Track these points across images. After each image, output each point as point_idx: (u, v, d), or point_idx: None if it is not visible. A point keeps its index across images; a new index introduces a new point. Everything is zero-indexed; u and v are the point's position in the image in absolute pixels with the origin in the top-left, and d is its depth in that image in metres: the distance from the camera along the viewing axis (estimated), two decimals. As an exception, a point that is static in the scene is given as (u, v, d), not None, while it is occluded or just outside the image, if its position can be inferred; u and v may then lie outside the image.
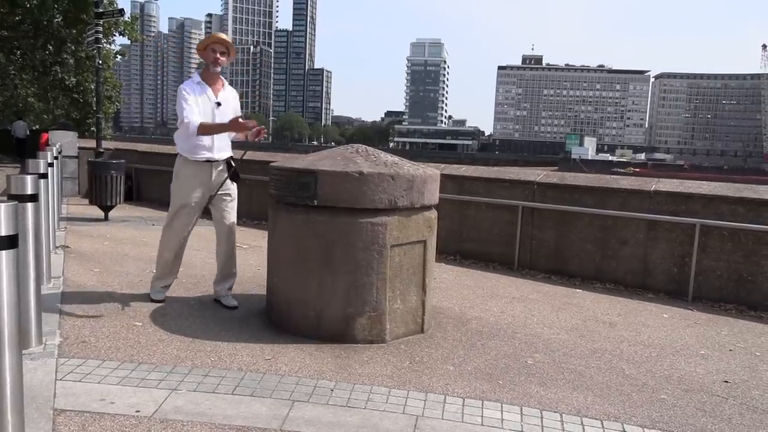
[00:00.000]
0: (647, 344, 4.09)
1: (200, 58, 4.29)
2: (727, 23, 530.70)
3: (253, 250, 6.65)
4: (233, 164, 4.33)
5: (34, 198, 3.39)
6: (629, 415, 2.95)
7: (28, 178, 3.39)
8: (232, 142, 4.39)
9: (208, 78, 4.23)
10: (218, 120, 4.18)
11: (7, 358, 2.04)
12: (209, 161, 4.20)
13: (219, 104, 4.22)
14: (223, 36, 4.27)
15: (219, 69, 4.23)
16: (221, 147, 4.25)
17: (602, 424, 2.84)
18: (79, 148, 11.73)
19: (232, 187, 4.34)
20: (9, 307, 2.06)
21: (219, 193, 4.26)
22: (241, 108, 4.60)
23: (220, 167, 4.27)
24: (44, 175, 4.86)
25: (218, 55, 4.18)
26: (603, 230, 6.08)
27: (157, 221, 8.45)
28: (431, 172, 3.98)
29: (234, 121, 4.08)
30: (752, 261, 5.33)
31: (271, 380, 3.07)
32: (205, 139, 4.14)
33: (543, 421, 2.82)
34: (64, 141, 11.25)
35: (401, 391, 3.04)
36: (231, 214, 4.36)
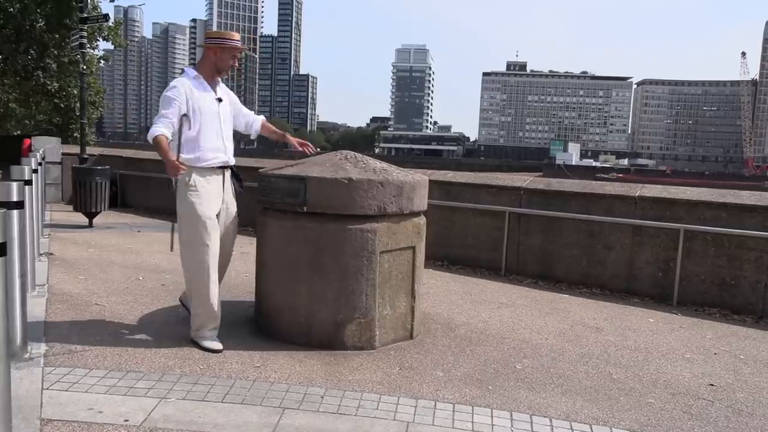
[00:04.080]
0: (634, 348, 4.13)
1: (215, 55, 3.74)
2: (707, 31, 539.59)
3: (240, 256, 6.61)
4: (236, 170, 3.93)
5: (19, 205, 3.35)
6: (617, 419, 2.98)
7: (14, 185, 3.36)
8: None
9: (209, 76, 3.77)
10: (223, 118, 3.78)
11: (-6, 368, 2.02)
12: (223, 167, 3.76)
13: (220, 100, 3.79)
14: (240, 40, 3.88)
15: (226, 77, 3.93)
16: (230, 149, 3.82)
17: (591, 428, 2.86)
18: (63, 154, 11.61)
19: (234, 197, 3.94)
20: (-3, 316, 2.03)
21: (226, 206, 3.82)
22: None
23: (227, 175, 3.83)
24: (29, 182, 4.80)
25: (236, 63, 3.79)
26: (589, 236, 6.14)
27: (142, 228, 8.39)
28: (420, 178, 4.00)
29: (170, 163, 3.44)
30: (735, 265, 5.41)
31: (261, 388, 3.06)
32: (217, 141, 3.72)
33: (533, 426, 2.84)
34: (47, 147, 11.13)
35: (392, 398, 3.04)
36: (235, 228, 3.99)
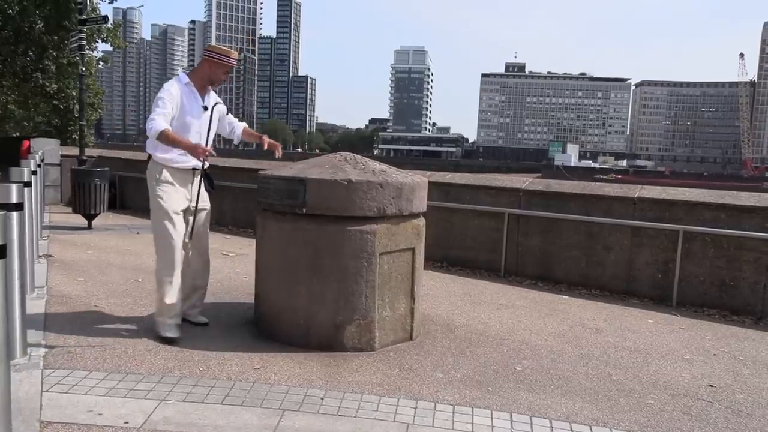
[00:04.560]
0: (633, 349, 4.14)
1: (210, 68, 3.91)
2: (705, 32, 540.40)
3: (239, 258, 6.62)
4: (209, 172, 4.01)
5: (19, 207, 3.35)
6: (617, 420, 2.98)
7: (13, 187, 3.36)
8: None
9: (199, 84, 3.93)
10: (205, 125, 3.94)
11: (-6, 370, 2.02)
12: (194, 169, 3.93)
13: (206, 108, 3.95)
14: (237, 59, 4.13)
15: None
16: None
17: (591, 429, 2.86)
18: (61, 155, 11.60)
19: (206, 198, 4.05)
20: (-3, 318, 2.03)
21: (196, 204, 3.96)
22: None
23: (198, 176, 3.96)
24: (28, 184, 4.80)
25: (227, 78, 4.03)
26: (588, 237, 6.15)
27: (141, 229, 8.38)
28: (419, 179, 4.00)
29: (198, 147, 3.67)
30: (734, 266, 5.41)
31: (261, 389, 3.06)
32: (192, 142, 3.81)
33: (533, 428, 2.84)
34: (46, 148, 11.12)
35: (391, 399, 3.04)
36: (207, 228, 4.09)
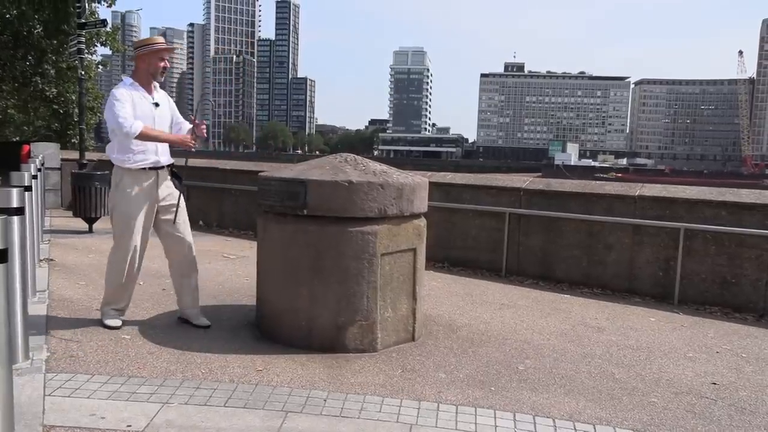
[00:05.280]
0: (636, 348, 4.13)
1: (144, 62, 3.94)
2: (704, 30, 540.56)
3: (240, 260, 6.62)
4: (175, 169, 4.06)
5: (20, 211, 3.35)
6: (620, 419, 2.98)
7: (14, 191, 3.36)
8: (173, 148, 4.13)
9: (144, 82, 3.96)
10: (158, 122, 3.94)
11: (-3, 375, 2.02)
12: (154, 168, 3.90)
13: (157, 105, 3.97)
14: (167, 43, 4.07)
15: (162, 79, 4.04)
16: (164, 151, 3.98)
17: (594, 428, 2.86)
18: (62, 159, 11.61)
19: (177, 195, 4.03)
20: (-1, 322, 2.03)
21: (165, 204, 3.97)
22: (193, 113, 4.29)
23: (164, 175, 3.97)
24: (29, 188, 4.80)
25: (166, 64, 3.98)
26: (589, 236, 6.14)
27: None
28: (420, 180, 4.00)
29: (184, 138, 3.86)
30: (735, 264, 5.41)
31: (264, 391, 3.05)
32: (149, 144, 3.87)
33: (536, 427, 2.83)
34: (46, 153, 11.13)
35: (394, 400, 3.04)
36: (183, 224, 4.05)
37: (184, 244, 4.06)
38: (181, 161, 4.19)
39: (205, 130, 4.09)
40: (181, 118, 4.25)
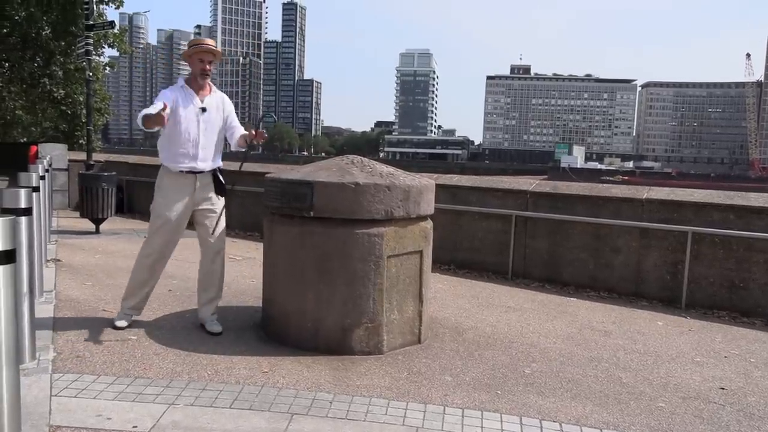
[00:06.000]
0: (643, 352, 4.11)
1: (190, 63, 3.98)
2: (711, 33, 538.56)
3: (246, 261, 6.62)
4: (220, 177, 4.06)
5: (27, 212, 3.36)
6: (628, 423, 2.96)
7: (22, 192, 3.37)
8: (231, 152, 4.20)
9: (194, 84, 3.98)
10: (202, 126, 3.93)
11: (4, 375, 2.02)
12: (192, 172, 3.93)
13: (204, 110, 3.95)
14: (210, 43, 4.04)
15: (208, 78, 4.00)
16: (206, 157, 3.97)
17: (602, 433, 2.84)
18: (69, 160, 11.66)
19: (218, 202, 4.04)
20: (6, 323, 2.03)
21: (202, 208, 3.99)
22: (255, 125, 4.10)
23: (206, 179, 3.99)
24: (36, 189, 4.82)
25: (207, 66, 3.94)
26: (596, 239, 6.11)
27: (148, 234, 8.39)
28: (426, 182, 3.99)
29: (157, 114, 3.64)
30: (744, 268, 5.37)
31: (270, 393, 3.05)
32: (189, 148, 3.90)
33: (543, 431, 2.82)
34: (53, 154, 11.18)
35: (400, 403, 3.03)
36: (217, 231, 4.02)
37: (211, 254, 4.05)
38: (233, 166, 4.16)
39: (260, 138, 4.00)
40: (236, 123, 4.17)
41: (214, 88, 4.10)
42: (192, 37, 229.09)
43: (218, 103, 4.08)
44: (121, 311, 4.06)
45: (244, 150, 4.11)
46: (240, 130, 4.14)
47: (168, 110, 3.72)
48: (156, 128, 3.75)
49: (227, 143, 4.24)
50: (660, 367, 3.82)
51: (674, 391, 3.42)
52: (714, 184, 64.55)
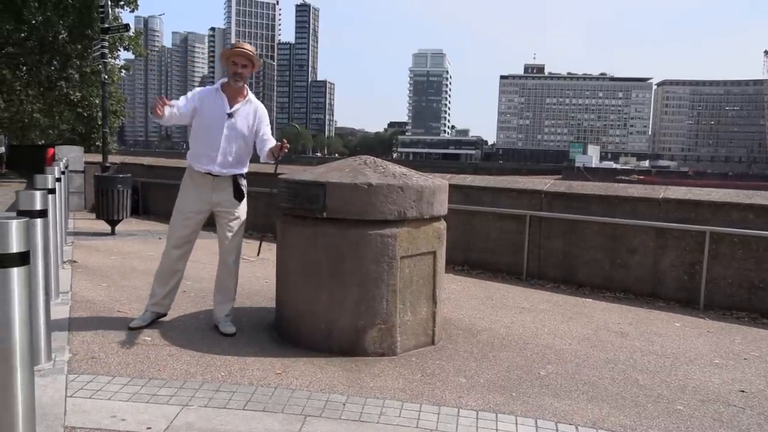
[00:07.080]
0: (660, 354, 4.05)
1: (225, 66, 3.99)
2: (728, 29, 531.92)
3: (260, 262, 6.63)
4: (240, 182, 4.07)
5: (43, 213, 3.39)
6: (645, 426, 2.91)
7: (37, 194, 3.39)
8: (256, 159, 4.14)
9: (228, 89, 3.98)
10: (226, 132, 3.92)
11: (19, 376, 2.03)
12: (210, 174, 3.96)
13: (230, 116, 3.93)
14: (247, 48, 3.96)
15: (241, 83, 3.96)
16: (225, 162, 3.96)
17: (619, 436, 2.80)
18: (85, 162, 11.77)
19: (237, 207, 4.05)
20: (21, 324, 2.04)
21: (221, 210, 4.02)
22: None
23: (224, 183, 4.00)
24: (52, 191, 4.86)
25: (239, 69, 3.90)
26: (612, 239, 6.05)
27: (163, 235, 8.44)
28: (440, 182, 3.97)
29: (155, 106, 3.78)
30: (764, 268, 5.28)
31: (283, 395, 3.04)
32: (209, 151, 3.92)
33: (559, 434, 2.78)
34: (70, 156, 11.29)
35: (414, 405, 3.01)
36: (232, 234, 4.04)
37: (226, 255, 4.11)
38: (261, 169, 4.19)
39: (282, 150, 3.98)
40: (267, 135, 4.11)
41: (251, 95, 4.08)
42: (206, 40, 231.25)
43: (249, 111, 4.05)
44: (144, 311, 4.12)
45: (272, 162, 4.13)
46: (270, 143, 4.08)
47: (168, 108, 3.81)
48: (157, 119, 3.84)
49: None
50: (678, 369, 3.77)
51: (693, 393, 3.37)
52: (732, 183, 63.74)
